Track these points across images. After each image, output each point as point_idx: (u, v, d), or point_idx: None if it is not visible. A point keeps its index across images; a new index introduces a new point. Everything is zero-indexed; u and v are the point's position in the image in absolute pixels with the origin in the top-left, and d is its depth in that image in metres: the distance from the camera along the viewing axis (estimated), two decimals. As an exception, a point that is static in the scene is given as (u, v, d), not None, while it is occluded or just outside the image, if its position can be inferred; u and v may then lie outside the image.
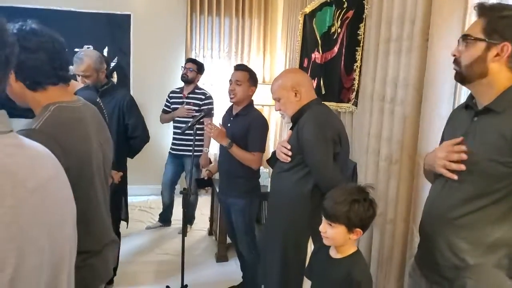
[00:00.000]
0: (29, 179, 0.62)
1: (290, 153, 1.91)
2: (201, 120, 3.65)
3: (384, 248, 2.21)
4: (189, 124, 2.62)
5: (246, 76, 2.54)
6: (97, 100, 2.18)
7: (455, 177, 1.24)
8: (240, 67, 2.63)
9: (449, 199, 1.28)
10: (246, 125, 2.50)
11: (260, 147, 2.49)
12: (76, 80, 2.38)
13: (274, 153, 2.10)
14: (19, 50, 1.06)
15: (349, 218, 1.41)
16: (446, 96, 1.84)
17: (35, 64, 1.13)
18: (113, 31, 4.75)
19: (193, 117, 3.48)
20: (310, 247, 1.90)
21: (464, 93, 1.83)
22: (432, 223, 1.34)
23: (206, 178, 2.97)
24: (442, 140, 1.46)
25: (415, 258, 1.49)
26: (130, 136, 2.55)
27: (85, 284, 1.24)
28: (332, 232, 1.45)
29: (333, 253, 1.52)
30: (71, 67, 2.30)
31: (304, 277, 1.84)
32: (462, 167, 1.22)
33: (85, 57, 2.29)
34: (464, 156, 1.22)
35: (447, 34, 1.82)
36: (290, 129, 2.06)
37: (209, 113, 2.63)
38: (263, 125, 2.56)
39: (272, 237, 2.05)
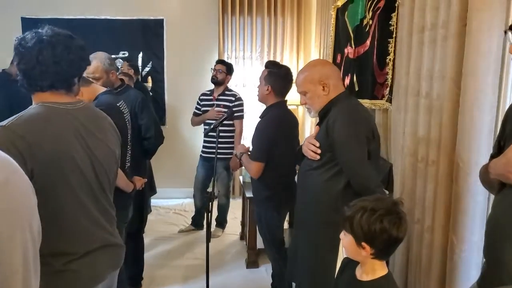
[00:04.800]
0: None
1: (319, 151, 1.78)
2: (232, 122, 3.62)
3: (422, 259, 2.01)
4: (212, 126, 2.54)
5: (263, 74, 2.38)
6: (117, 104, 2.14)
7: None
8: (265, 64, 2.49)
9: None
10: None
11: (255, 156, 2.30)
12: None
13: (300, 149, 1.97)
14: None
15: (352, 226, 1.22)
16: (490, 87, 1.61)
17: (19, 73, 1.25)
18: (147, 37, 4.81)
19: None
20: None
21: (510, 83, 1.60)
22: (502, 245, 1.11)
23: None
24: (499, 144, 1.22)
25: (478, 285, 1.26)
26: (143, 137, 2.50)
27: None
28: (344, 241, 1.28)
29: (359, 274, 1.31)
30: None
31: None
32: None
33: (93, 59, 2.25)
34: None
35: (488, 17, 1.60)
36: (317, 124, 1.92)
37: (231, 115, 2.52)
38: (264, 133, 2.31)
39: (302, 238, 1.94)
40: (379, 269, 1.27)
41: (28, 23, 4.53)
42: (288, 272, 2.13)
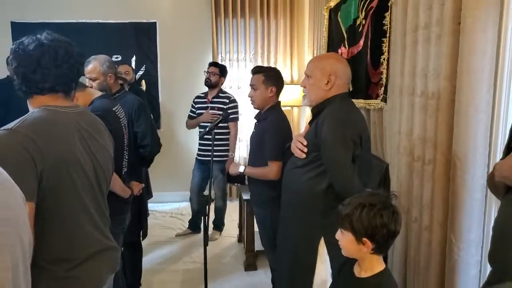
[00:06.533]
0: None
1: (305, 150, 1.79)
2: (226, 124, 3.61)
3: (420, 257, 2.01)
4: (207, 129, 2.52)
5: (260, 79, 2.39)
6: (113, 108, 2.11)
7: None
8: (254, 70, 2.50)
9: None
10: (263, 131, 2.37)
11: (275, 155, 2.27)
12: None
13: (288, 147, 1.97)
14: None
15: (352, 223, 1.24)
16: (485, 85, 1.62)
17: (17, 76, 1.24)
18: (140, 40, 4.79)
19: None
20: (324, 249, 1.76)
21: (506, 81, 1.60)
22: (507, 249, 1.09)
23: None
24: (508, 148, 1.20)
25: None
26: (139, 144, 2.45)
27: None
28: (342, 240, 1.29)
29: (357, 271, 1.34)
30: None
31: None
32: None
33: (92, 60, 2.25)
34: None
35: (482, 15, 1.60)
36: (308, 123, 1.92)
37: (226, 117, 2.51)
38: (279, 130, 2.34)
39: (283, 234, 1.95)
40: (377, 265, 1.30)
41: (18, 28, 4.49)
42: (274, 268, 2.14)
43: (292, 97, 4.43)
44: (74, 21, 4.61)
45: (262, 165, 2.34)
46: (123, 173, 2.03)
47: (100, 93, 2.15)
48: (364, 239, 1.23)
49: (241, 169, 2.40)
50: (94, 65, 2.23)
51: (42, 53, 1.21)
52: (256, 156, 2.40)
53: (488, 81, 1.61)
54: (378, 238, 1.23)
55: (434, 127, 1.88)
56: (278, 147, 2.28)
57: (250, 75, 2.51)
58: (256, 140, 2.41)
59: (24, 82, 1.23)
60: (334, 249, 1.70)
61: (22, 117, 1.20)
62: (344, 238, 1.28)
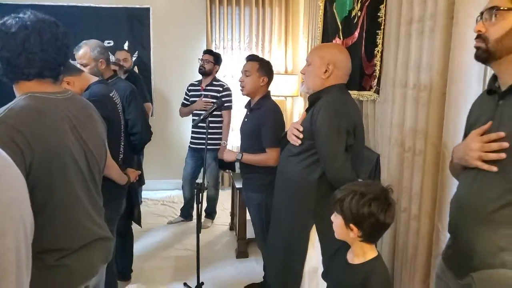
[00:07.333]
0: None
1: (301, 136, 1.81)
2: (220, 113, 3.62)
3: (408, 246, 2.06)
4: (201, 117, 2.53)
5: (255, 66, 2.42)
6: (110, 94, 2.09)
7: (495, 168, 1.10)
8: (249, 57, 2.53)
9: (484, 192, 1.14)
10: (258, 120, 2.39)
11: (273, 142, 2.31)
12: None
13: (285, 135, 2.00)
14: None
15: (342, 208, 1.30)
16: (475, 79, 1.65)
17: (1, 61, 1.17)
18: (133, 25, 4.74)
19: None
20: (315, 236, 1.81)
21: (495, 75, 1.64)
22: (465, 220, 1.20)
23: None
24: (466, 135, 1.31)
25: (443, 259, 1.33)
26: (129, 132, 2.40)
27: (60, 283, 1.22)
28: (334, 222, 1.36)
29: (350, 258, 1.39)
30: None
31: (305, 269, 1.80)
32: (503, 155, 1.09)
33: (83, 45, 2.22)
34: (505, 144, 1.09)
35: (474, 11, 1.62)
36: (305, 110, 1.94)
37: (221, 106, 2.53)
38: (275, 118, 2.40)
39: (276, 221, 1.99)
40: (369, 252, 1.34)
41: (6, 10, 4.31)
42: (265, 257, 2.17)
43: (286, 88, 4.45)
44: (65, 4, 4.53)
45: (257, 153, 2.37)
46: (119, 159, 2.03)
47: (96, 78, 2.13)
48: (351, 225, 1.29)
49: (239, 156, 2.42)
50: (84, 51, 2.20)
51: (27, 36, 1.13)
52: (250, 145, 2.43)
53: (478, 75, 1.64)
54: (364, 227, 1.28)
55: (425, 119, 1.92)
56: (276, 134, 2.31)
57: (244, 62, 2.54)
58: (251, 129, 2.43)
59: (9, 67, 1.16)
60: (325, 237, 1.75)
61: (7, 105, 1.13)
62: (336, 221, 1.34)
